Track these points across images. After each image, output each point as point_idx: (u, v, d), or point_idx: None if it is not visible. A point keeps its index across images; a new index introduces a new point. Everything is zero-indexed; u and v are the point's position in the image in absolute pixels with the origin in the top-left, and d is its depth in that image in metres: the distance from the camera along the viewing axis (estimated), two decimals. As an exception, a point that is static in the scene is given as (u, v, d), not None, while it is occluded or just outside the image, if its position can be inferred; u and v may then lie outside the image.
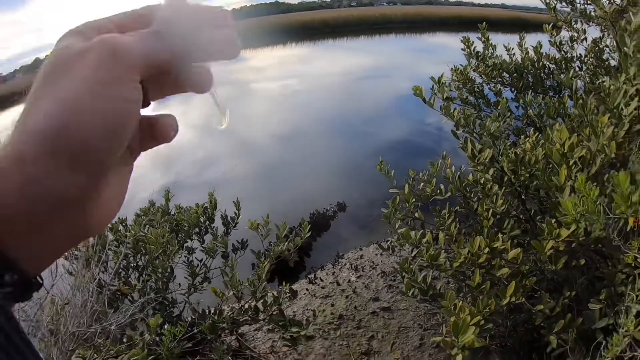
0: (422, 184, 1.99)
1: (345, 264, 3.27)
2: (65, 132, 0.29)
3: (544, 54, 2.68)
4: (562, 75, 2.44)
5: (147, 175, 5.94)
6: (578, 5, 2.52)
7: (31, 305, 1.72)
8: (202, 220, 2.60)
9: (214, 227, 2.66)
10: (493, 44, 2.65)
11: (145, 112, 0.38)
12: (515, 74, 2.62)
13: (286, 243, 2.18)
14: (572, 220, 1.24)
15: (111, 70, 0.31)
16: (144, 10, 0.38)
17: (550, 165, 1.56)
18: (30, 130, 0.29)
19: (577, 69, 2.62)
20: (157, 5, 0.36)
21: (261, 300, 1.98)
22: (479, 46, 2.66)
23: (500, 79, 2.65)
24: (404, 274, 1.67)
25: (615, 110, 1.53)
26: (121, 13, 0.39)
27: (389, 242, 2.33)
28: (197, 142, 7.25)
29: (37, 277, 0.32)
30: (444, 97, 1.99)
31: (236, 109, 9.08)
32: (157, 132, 0.39)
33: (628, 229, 1.20)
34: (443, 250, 1.62)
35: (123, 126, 0.32)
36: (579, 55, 2.68)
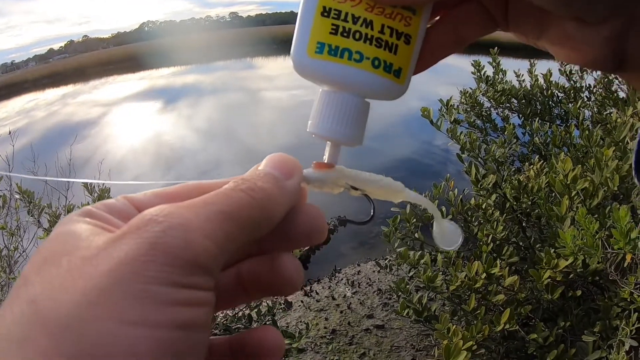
0: (423, 204, 1.98)
1: (342, 279, 3.26)
2: None
3: (554, 82, 2.68)
4: (570, 105, 2.44)
5: (146, 176, 5.93)
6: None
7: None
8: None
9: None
10: (503, 69, 2.66)
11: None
12: (523, 101, 2.62)
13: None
14: (570, 253, 1.24)
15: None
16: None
17: (553, 194, 1.56)
18: None
19: (585, 99, 2.62)
20: None
21: (255, 310, 1.98)
22: (489, 70, 2.67)
23: (508, 105, 2.65)
24: (399, 293, 1.66)
25: (620, 144, 1.54)
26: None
27: (386, 260, 2.32)
28: (200, 146, 7.25)
29: None
30: (452, 119, 2.00)
31: (244, 116, 9.12)
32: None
33: (625, 264, 1.20)
34: (440, 273, 1.61)
35: None
36: (587, 85, 2.68)
